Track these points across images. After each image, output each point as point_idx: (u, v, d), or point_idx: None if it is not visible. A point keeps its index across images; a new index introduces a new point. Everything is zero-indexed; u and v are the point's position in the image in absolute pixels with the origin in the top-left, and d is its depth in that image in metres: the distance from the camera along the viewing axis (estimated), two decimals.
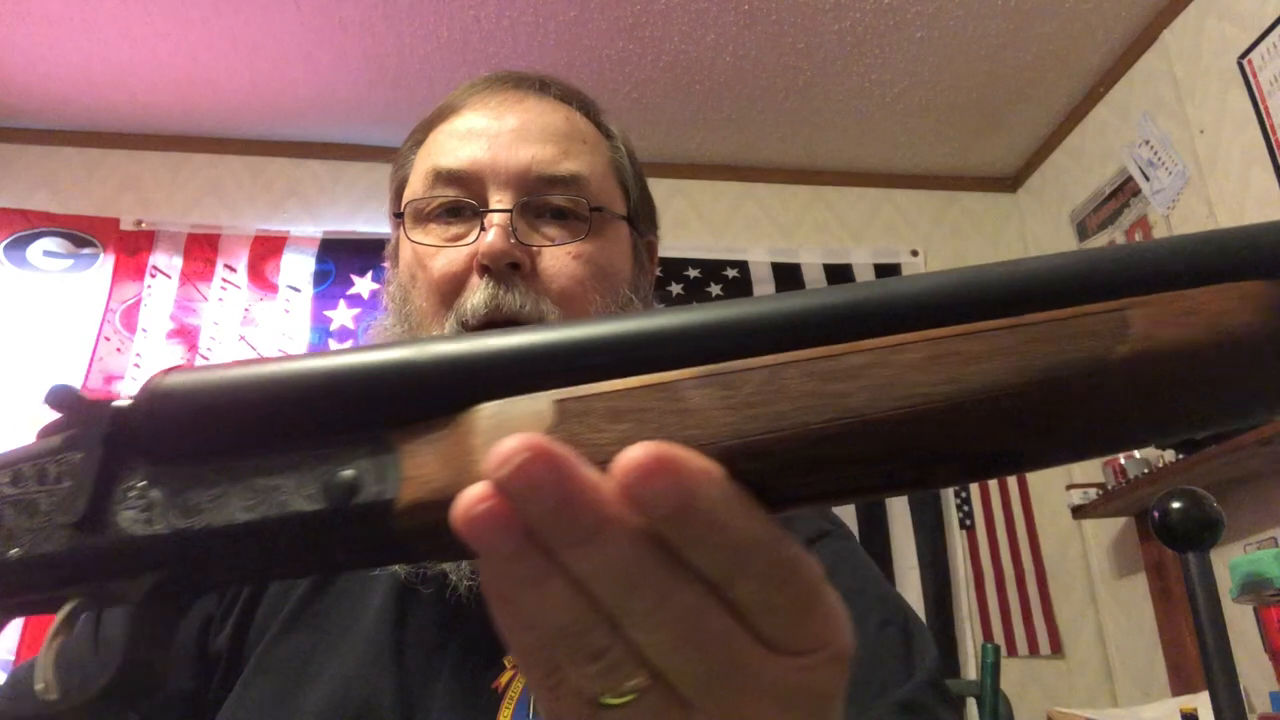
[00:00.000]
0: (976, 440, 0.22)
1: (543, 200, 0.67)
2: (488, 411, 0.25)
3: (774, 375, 0.23)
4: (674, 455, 0.21)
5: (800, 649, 0.23)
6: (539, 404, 0.24)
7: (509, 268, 0.63)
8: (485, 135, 0.68)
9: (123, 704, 0.25)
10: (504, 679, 0.59)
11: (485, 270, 0.64)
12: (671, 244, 2.96)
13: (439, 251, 0.66)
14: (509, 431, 0.22)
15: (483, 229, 0.65)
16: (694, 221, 3.08)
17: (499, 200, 0.65)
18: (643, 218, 0.76)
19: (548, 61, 2.62)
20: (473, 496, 0.21)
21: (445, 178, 0.67)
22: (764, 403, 0.22)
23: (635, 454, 0.21)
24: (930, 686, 0.55)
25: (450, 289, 0.65)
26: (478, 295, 0.63)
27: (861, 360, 0.22)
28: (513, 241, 0.64)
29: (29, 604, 0.27)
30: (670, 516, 0.21)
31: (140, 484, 0.26)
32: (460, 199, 0.67)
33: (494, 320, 0.63)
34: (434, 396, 0.25)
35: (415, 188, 0.70)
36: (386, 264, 0.76)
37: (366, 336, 0.75)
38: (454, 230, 0.67)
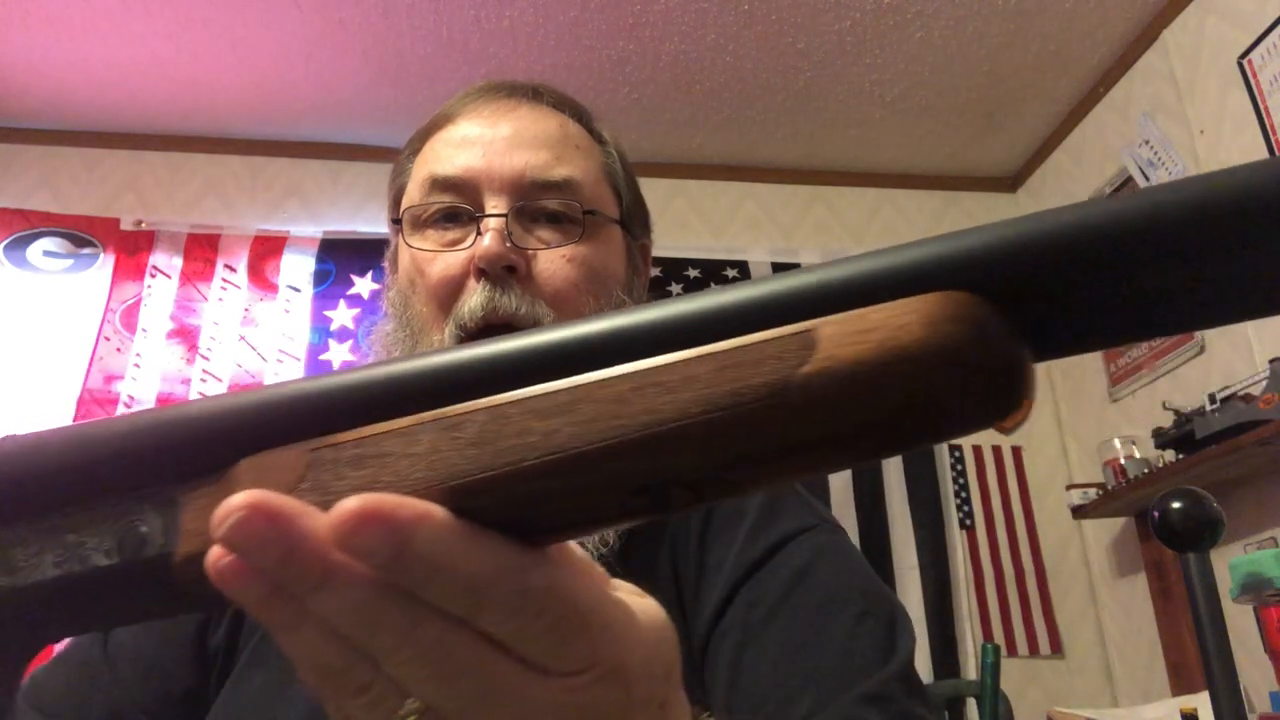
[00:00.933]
0: (680, 468, 0.22)
1: (537, 205, 0.68)
2: (246, 465, 0.26)
3: (495, 415, 0.24)
4: (382, 504, 0.22)
5: (566, 670, 0.24)
6: (291, 454, 0.25)
7: (505, 271, 0.65)
8: (480, 143, 0.70)
9: None
10: None
11: (482, 274, 0.65)
12: (671, 244, 2.97)
13: (436, 256, 0.68)
14: (265, 482, 0.24)
15: (479, 234, 0.66)
16: (694, 221, 3.08)
17: (494, 205, 0.67)
18: (636, 221, 0.77)
19: (548, 61, 2.62)
20: (216, 551, 0.23)
21: (442, 184, 0.69)
22: (486, 442, 0.23)
23: (345, 506, 0.22)
24: (899, 679, 0.56)
25: (448, 293, 0.67)
26: (475, 298, 0.65)
27: (569, 396, 0.23)
28: (508, 245, 0.65)
29: None
30: (388, 563, 0.22)
31: None
32: (457, 205, 0.69)
33: (491, 322, 0.64)
34: (207, 452, 0.26)
35: (413, 195, 0.72)
36: (387, 270, 0.78)
37: (368, 342, 0.76)
38: (451, 235, 0.69)
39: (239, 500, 0.22)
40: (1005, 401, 0.22)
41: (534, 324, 0.64)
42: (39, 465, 0.27)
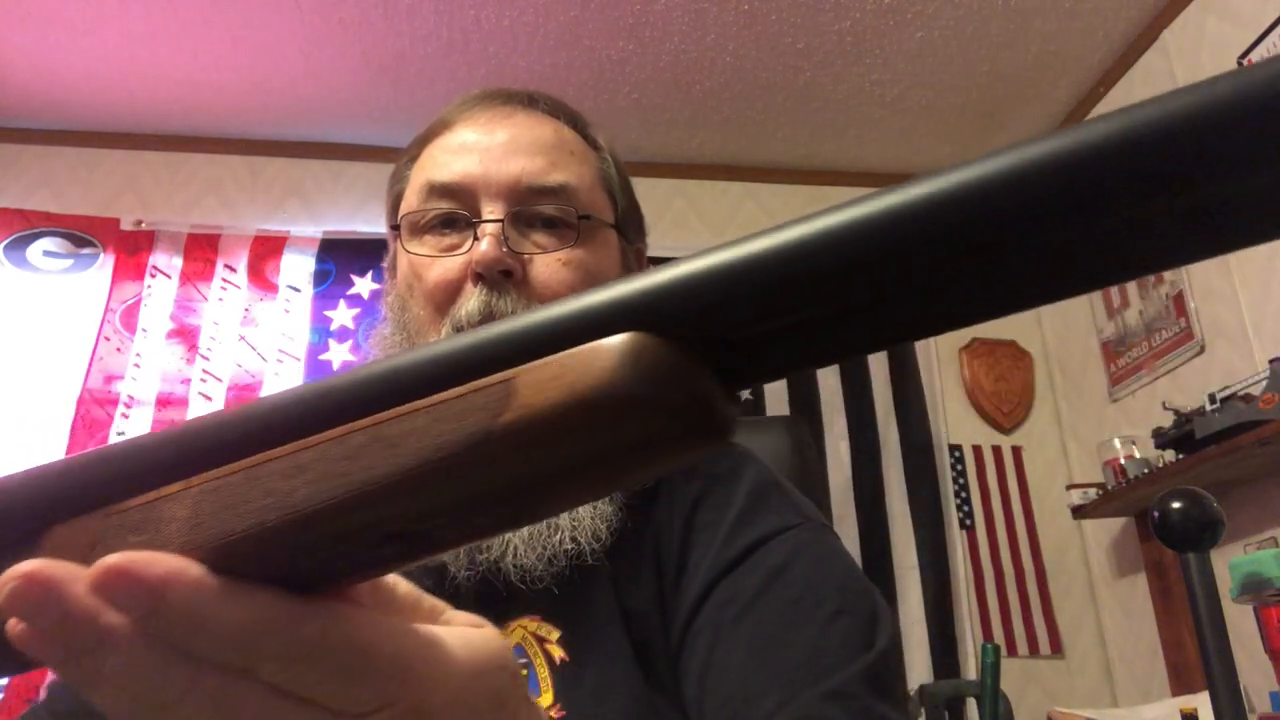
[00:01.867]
0: (406, 518, 0.23)
1: (533, 210, 0.69)
2: (53, 533, 0.27)
3: (249, 478, 0.25)
4: (134, 562, 0.23)
5: (358, 712, 0.25)
6: (91, 521, 0.26)
7: (502, 275, 0.66)
8: (477, 150, 0.71)
9: None
10: None
11: (479, 278, 0.66)
12: (671, 244, 2.96)
13: (434, 261, 0.69)
14: (62, 550, 0.25)
15: (476, 239, 0.68)
16: (694, 221, 3.08)
17: (491, 211, 0.68)
18: (630, 226, 0.78)
19: (548, 61, 2.62)
20: (13, 619, 0.24)
21: (439, 191, 0.70)
22: (239, 504, 0.24)
23: (99, 565, 0.23)
24: (866, 677, 0.55)
25: (446, 297, 0.68)
26: (472, 302, 0.66)
27: (309, 456, 0.24)
28: (505, 250, 0.67)
29: None
30: (146, 620, 0.23)
31: None
32: (454, 211, 0.70)
33: None
34: (18, 523, 0.28)
35: (411, 201, 0.73)
36: (386, 275, 0.79)
37: (368, 345, 0.77)
38: (449, 240, 0.70)
39: (15, 570, 0.23)
40: (697, 435, 0.22)
41: None
42: None
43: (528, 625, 0.63)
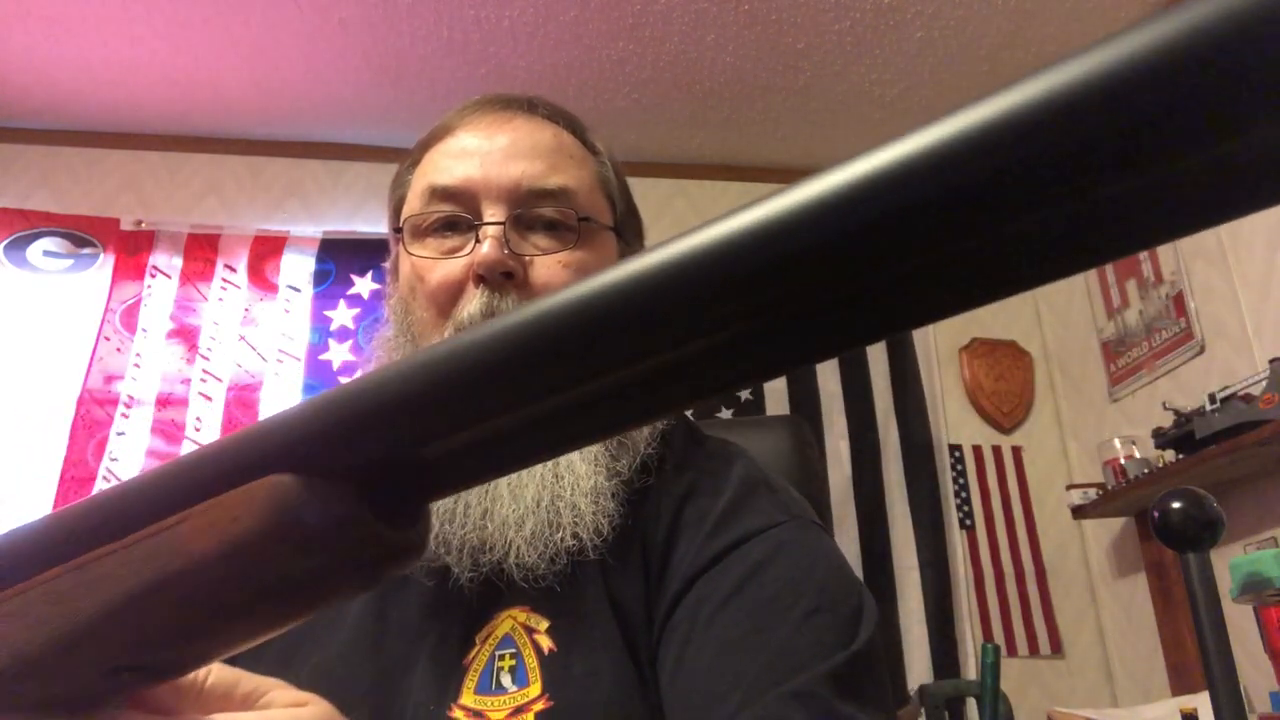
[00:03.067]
0: (129, 651, 0.25)
1: (534, 213, 0.71)
2: None
3: (25, 599, 0.26)
4: None
5: None
6: None
7: (503, 276, 0.68)
8: (478, 154, 0.72)
9: None
10: (472, 654, 0.62)
11: (481, 279, 0.68)
12: None
13: (437, 263, 0.70)
14: None
15: (477, 241, 0.69)
16: (694, 221, 3.06)
17: (492, 214, 0.69)
18: (628, 229, 0.79)
19: (548, 61, 2.62)
20: None
21: (441, 194, 0.71)
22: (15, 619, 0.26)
23: None
24: (833, 679, 0.54)
25: (448, 298, 0.69)
26: (474, 303, 0.67)
27: (21, 601, 0.26)
28: (506, 252, 0.68)
29: None
30: None
31: None
32: (456, 214, 0.71)
33: None
34: None
35: (413, 204, 0.74)
36: (388, 277, 0.80)
37: (370, 347, 0.78)
38: (450, 243, 0.71)
39: None
40: (358, 561, 0.23)
41: None
42: None
43: (517, 616, 0.63)
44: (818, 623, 0.57)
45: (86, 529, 0.26)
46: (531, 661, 0.61)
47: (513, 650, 0.62)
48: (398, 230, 0.76)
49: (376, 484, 0.23)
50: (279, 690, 0.31)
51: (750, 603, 0.58)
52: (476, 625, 0.64)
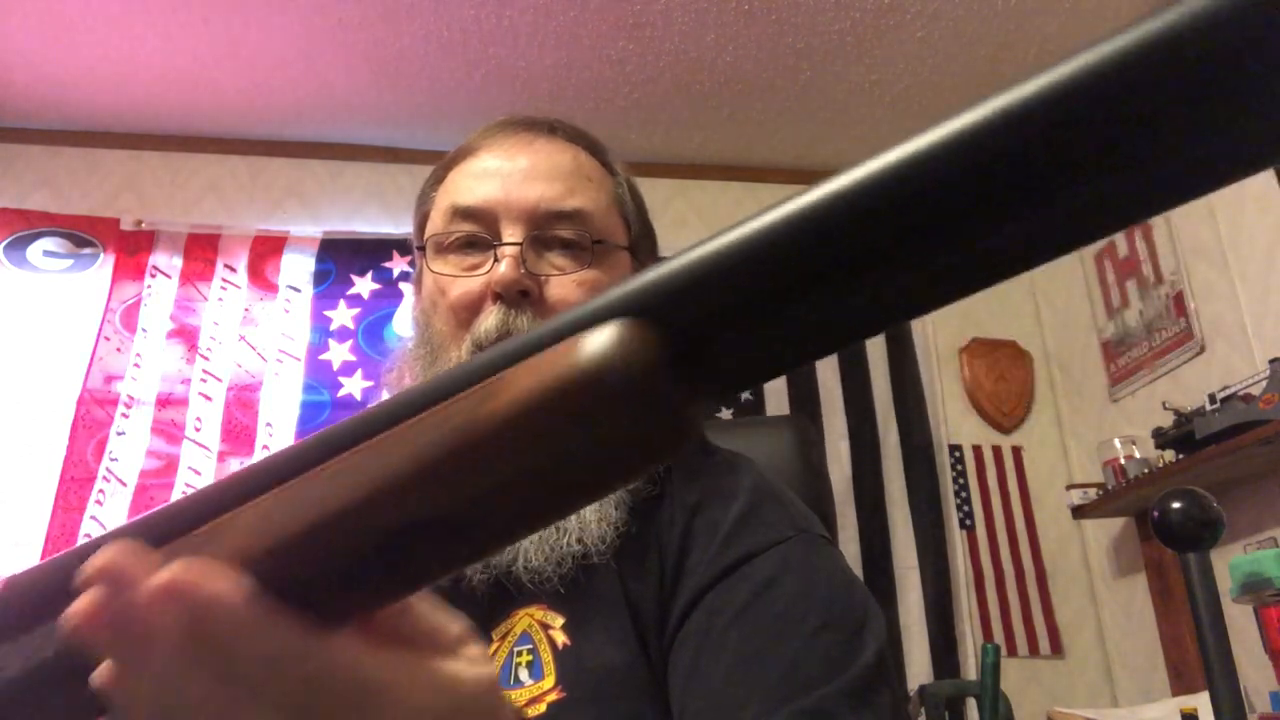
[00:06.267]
0: (408, 514, 0.25)
1: (550, 233, 0.74)
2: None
3: (296, 490, 0.27)
4: (186, 578, 0.26)
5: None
6: (177, 544, 0.29)
7: (519, 295, 0.71)
8: (499, 175, 0.76)
9: None
10: (490, 651, 0.65)
11: (498, 297, 0.71)
12: (671, 244, 2.95)
13: (457, 280, 0.74)
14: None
15: (496, 260, 0.73)
16: (694, 221, 3.08)
17: (511, 234, 0.73)
18: (643, 248, 0.82)
19: (548, 61, 2.62)
20: (78, 604, 0.28)
21: (463, 213, 0.75)
22: (288, 511, 0.27)
23: (162, 574, 0.26)
24: (846, 695, 0.56)
25: (467, 313, 0.73)
26: (491, 319, 0.71)
27: (340, 465, 0.26)
28: (523, 271, 0.72)
29: None
30: (190, 628, 0.26)
31: None
32: (476, 233, 0.75)
33: None
34: None
35: (436, 223, 0.78)
36: (413, 290, 0.85)
37: (392, 357, 0.82)
38: (471, 260, 0.75)
39: (103, 554, 0.27)
40: (660, 421, 0.23)
41: None
42: (24, 593, 0.33)
43: (534, 613, 0.66)
44: (825, 639, 0.59)
45: (406, 413, 0.26)
46: (546, 656, 0.64)
47: (530, 646, 0.65)
48: (422, 247, 0.80)
49: (685, 360, 0.23)
50: (470, 646, 0.32)
51: (761, 618, 0.60)
52: (493, 623, 0.67)
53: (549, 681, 0.62)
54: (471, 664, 0.31)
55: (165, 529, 0.30)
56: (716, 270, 0.23)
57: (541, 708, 0.61)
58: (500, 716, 0.32)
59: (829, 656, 0.58)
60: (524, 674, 0.63)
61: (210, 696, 0.26)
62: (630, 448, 0.23)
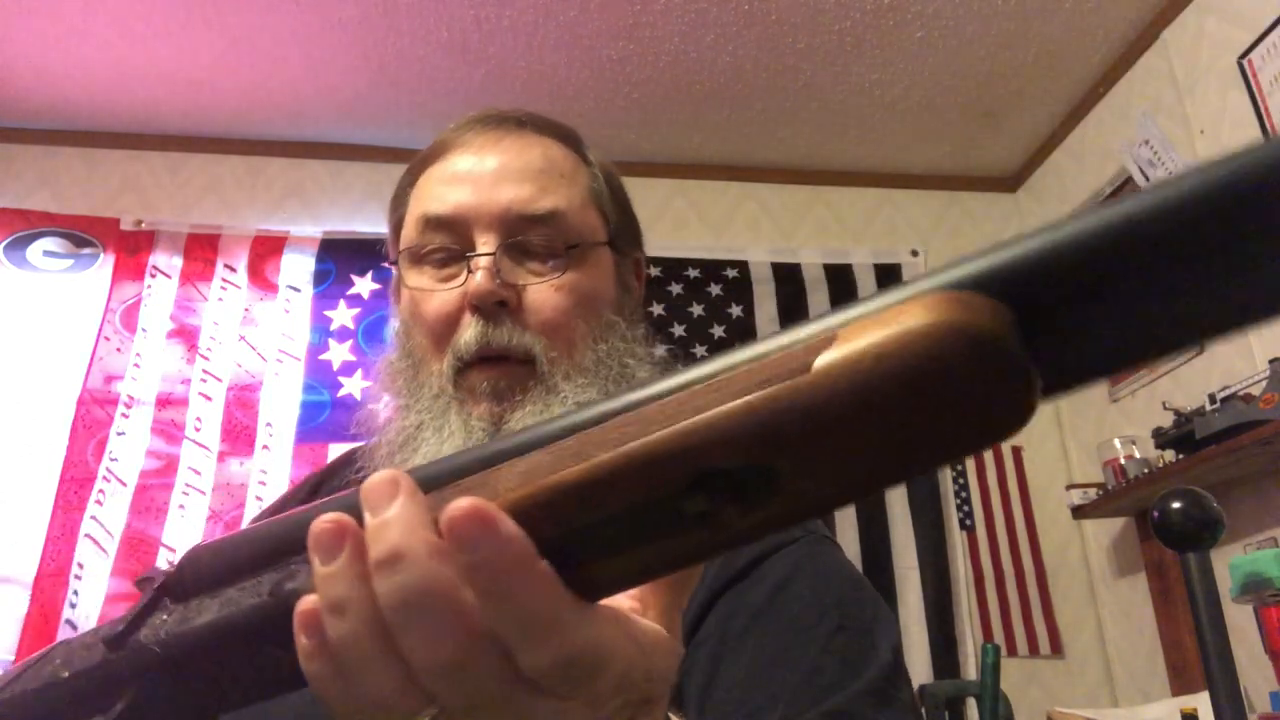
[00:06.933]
0: (715, 455, 0.24)
1: (525, 239, 0.73)
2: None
3: (580, 440, 0.27)
4: (488, 512, 0.25)
5: (564, 696, 0.27)
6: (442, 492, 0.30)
7: (496, 305, 0.70)
8: (469, 180, 0.74)
9: None
10: None
11: (476, 309, 0.70)
12: (671, 244, 2.96)
13: (433, 294, 0.73)
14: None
15: (470, 271, 0.72)
16: (694, 221, 3.08)
17: (484, 243, 0.72)
18: (624, 238, 0.81)
19: (548, 61, 2.62)
20: (321, 521, 0.28)
21: (434, 223, 0.74)
22: (569, 456, 0.26)
23: (462, 503, 0.25)
24: (869, 694, 0.57)
25: (444, 329, 0.72)
26: (469, 332, 0.70)
27: (640, 413, 0.26)
28: (498, 282, 0.70)
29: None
30: (477, 567, 0.25)
31: (164, 616, 0.34)
32: (448, 246, 0.74)
33: (485, 355, 0.70)
34: None
35: (409, 234, 0.76)
36: (391, 298, 0.83)
37: (376, 369, 0.82)
38: (447, 271, 0.74)
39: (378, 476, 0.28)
40: (1008, 396, 0.22)
41: (525, 354, 0.70)
42: (220, 558, 0.35)
43: None
44: (841, 640, 0.60)
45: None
46: None
47: None
48: (394, 262, 0.79)
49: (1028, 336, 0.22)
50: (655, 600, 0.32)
51: (778, 621, 0.61)
52: None
53: None
54: (657, 622, 0.31)
55: (427, 481, 0.29)
56: (1068, 248, 0.22)
57: None
58: (672, 678, 0.31)
59: (847, 659, 0.59)
60: None
61: (451, 628, 0.26)
62: (976, 415, 0.22)
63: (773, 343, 0.25)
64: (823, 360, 0.23)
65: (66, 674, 0.35)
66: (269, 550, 0.33)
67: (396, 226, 0.80)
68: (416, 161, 0.80)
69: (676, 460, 0.24)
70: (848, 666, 0.58)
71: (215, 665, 0.33)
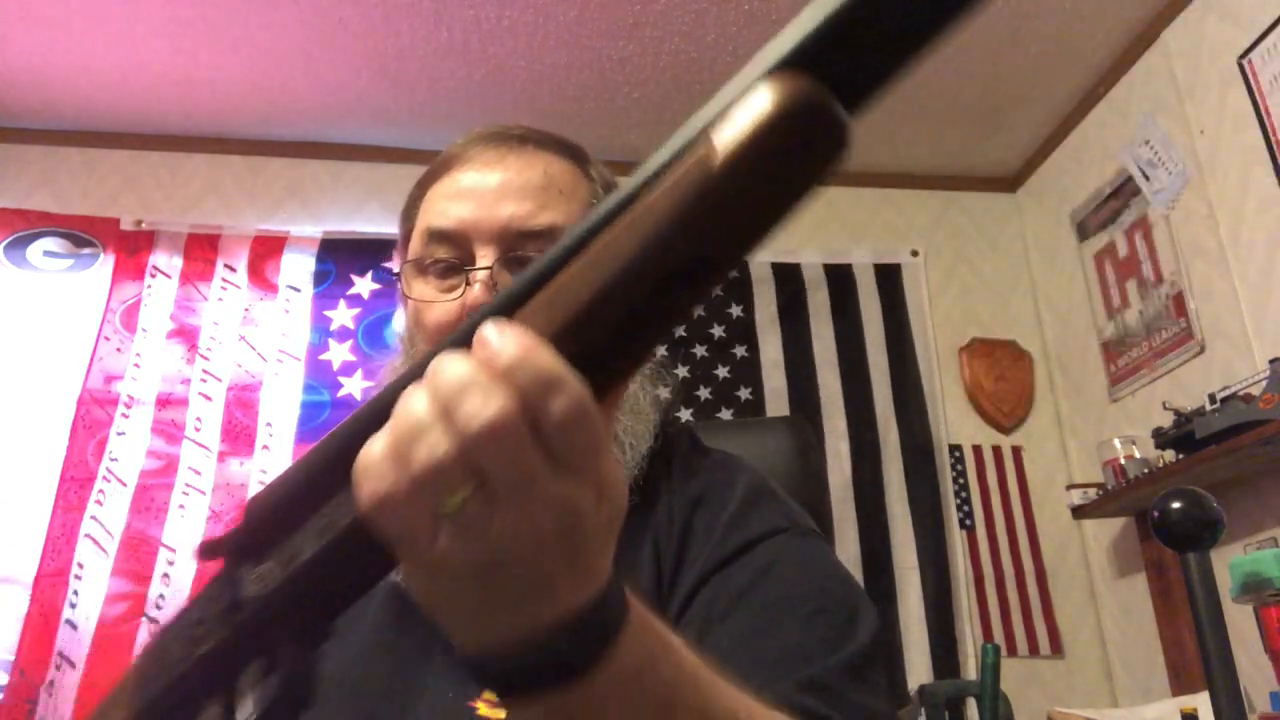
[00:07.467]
0: (685, 256, 0.31)
1: (523, 253, 0.77)
2: None
3: (556, 284, 0.33)
4: (544, 355, 0.31)
5: (575, 468, 0.32)
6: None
7: None
8: (472, 196, 0.78)
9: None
10: None
11: None
12: None
13: (434, 305, 0.78)
14: None
15: (469, 283, 0.76)
16: None
17: (484, 256, 0.76)
18: None
19: (548, 61, 2.62)
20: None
21: (438, 237, 0.79)
22: (576, 285, 0.33)
23: (523, 339, 0.32)
24: (845, 670, 0.59)
25: (444, 337, 0.74)
26: None
27: (607, 237, 0.32)
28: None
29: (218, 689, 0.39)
30: (535, 403, 0.31)
31: (260, 567, 0.38)
32: (449, 259, 0.78)
33: None
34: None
35: (415, 246, 0.81)
36: (400, 304, 0.87)
37: (381, 375, 0.87)
38: (448, 282, 0.78)
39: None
40: (839, 133, 0.30)
41: None
42: (271, 499, 0.39)
43: None
44: (821, 621, 0.63)
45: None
46: None
47: None
48: (398, 274, 0.83)
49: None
50: None
51: (760, 602, 0.64)
52: None
53: None
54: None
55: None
56: (842, 18, 0.31)
57: None
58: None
59: (825, 638, 0.61)
60: None
61: (490, 408, 0.30)
62: (825, 162, 0.30)
63: (663, 156, 0.33)
64: (722, 152, 0.30)
65: (202, 649, 0.38)
66: (323, 476, 0.37)
67: (405, 237, 0.85)
68: (426, 175, 0.85)
69: (649, 271, 0.31)
70: (826, 644, 0.61)
71: (327, 587, 0.37)
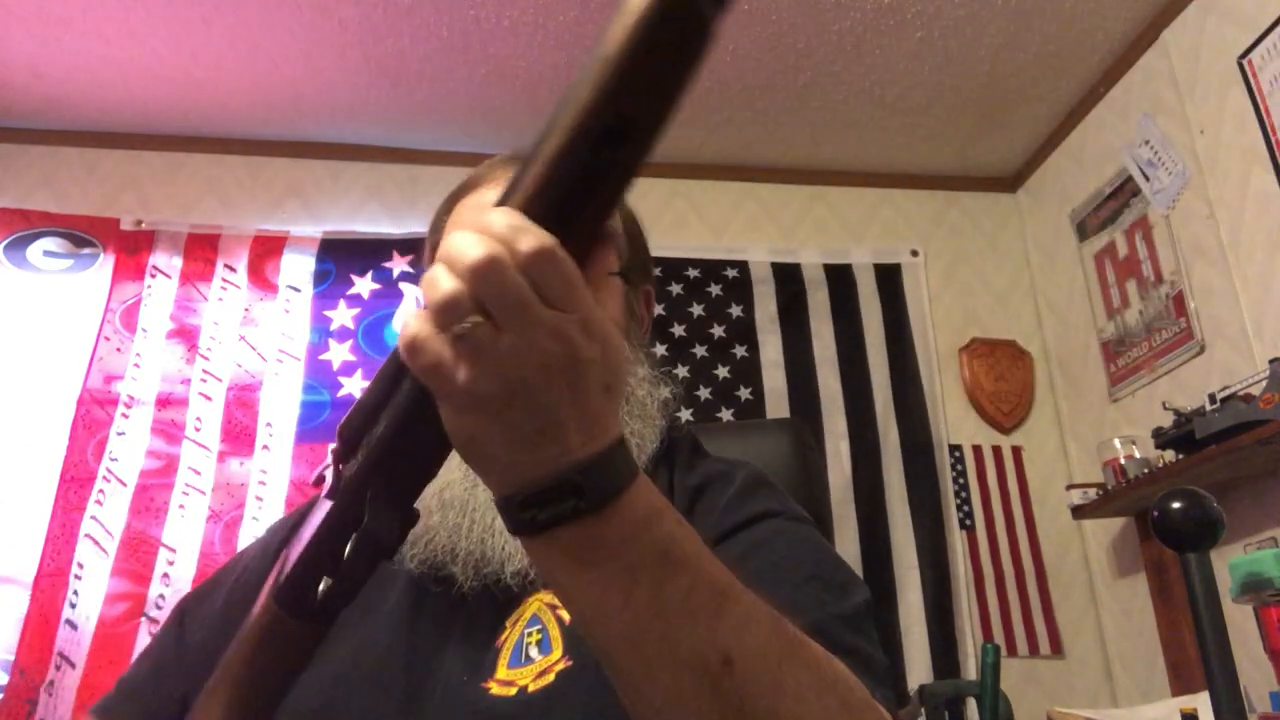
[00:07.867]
0: (607, 115, 0.37)
1: None
2: None
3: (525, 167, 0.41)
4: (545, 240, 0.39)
5: (563, 308, 0.39)
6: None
7: None
8: None
9: (371, 562, 0.48)
10: (503, 636, 0.70)
11: None
12: (671, 244, 2.96)
13: None
14: None
15: None
16: (694, 221, 3.08)
17: None
18: (635, 270, 0.87)
19: (548, 61, 2.62)
20: None
21: None
22: (529, 173, 0.40)
23: (528, 234, 0.40)
24: (840, 619, 0.63)
25: None
26: None
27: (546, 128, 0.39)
28: None
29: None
30: (539, 277, 0.39)
31: (353, 460, 0.48)
32: None
33: None
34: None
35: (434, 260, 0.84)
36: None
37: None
38: None
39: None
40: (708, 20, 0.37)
41: None
42: (362, 409, 0.47)
43: (543, 598, 0.71)
44: (816, 584, 0.67)
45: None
46: (555, 632, 0.69)
47: (539, 627, 0.70)
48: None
49: None
50: None
51: (755, 568, 0.65)
52: (506, 611, 0.72)
53: (557, 654, 0.67)
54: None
55: None
56: None
57: (551, 678, 0.65)
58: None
59: (819, 598, 0.65)
60: (534, 651, 0.68)
61: (492, 263, 0.38)
62: (700, 45, 0.37)
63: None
64: (619, 30, 0.36)
65: (322, 530, 0.47)
66: (389, 385, 0.45)
67: (432, 248, 0.88)
68: (452, 193, 0.89)
69: (583, 134, 0.38)
70: (819, 603, 0.64)
71: (397, 458, 0.45)
